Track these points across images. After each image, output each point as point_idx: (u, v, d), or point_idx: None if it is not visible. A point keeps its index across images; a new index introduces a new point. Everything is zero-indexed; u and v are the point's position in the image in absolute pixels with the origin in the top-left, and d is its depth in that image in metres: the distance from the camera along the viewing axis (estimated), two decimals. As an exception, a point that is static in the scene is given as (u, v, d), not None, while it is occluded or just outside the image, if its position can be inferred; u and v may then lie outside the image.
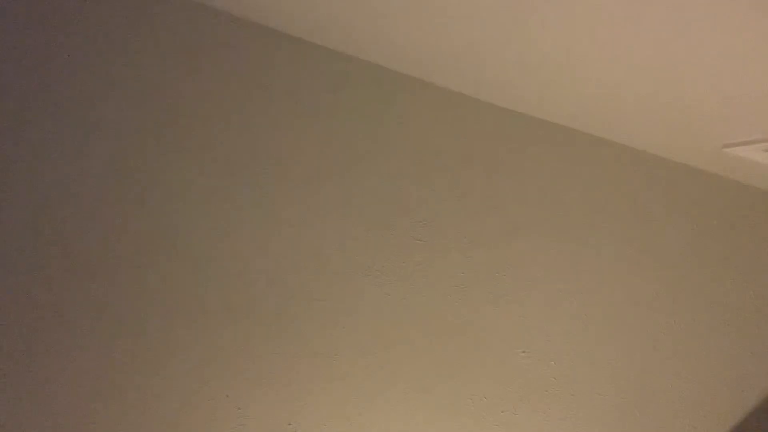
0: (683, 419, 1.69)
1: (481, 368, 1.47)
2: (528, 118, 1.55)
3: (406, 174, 1.43)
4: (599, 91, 1.38)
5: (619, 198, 1.65)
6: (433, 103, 1.46)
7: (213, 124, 1.25)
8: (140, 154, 1.20)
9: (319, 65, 1.35)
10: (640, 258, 1.66)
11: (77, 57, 1.16)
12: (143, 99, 1.20)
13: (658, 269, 1.69)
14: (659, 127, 1.52)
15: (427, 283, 1.42)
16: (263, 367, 1.27)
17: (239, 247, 1.27)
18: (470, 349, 1.46)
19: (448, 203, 1.46)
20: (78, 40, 1.16)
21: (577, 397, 1.57)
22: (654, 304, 1.67)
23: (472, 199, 1.49)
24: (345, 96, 1.37)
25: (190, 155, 1.24)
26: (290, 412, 1.29)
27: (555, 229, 1.57)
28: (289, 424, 1.28)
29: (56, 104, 1.14)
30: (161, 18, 1.23)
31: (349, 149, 1.37)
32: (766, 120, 1.38)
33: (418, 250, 1.42)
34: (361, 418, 1.34)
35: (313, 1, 1.17)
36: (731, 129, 1.46)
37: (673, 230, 1.71)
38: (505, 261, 1.51)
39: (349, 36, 1.30)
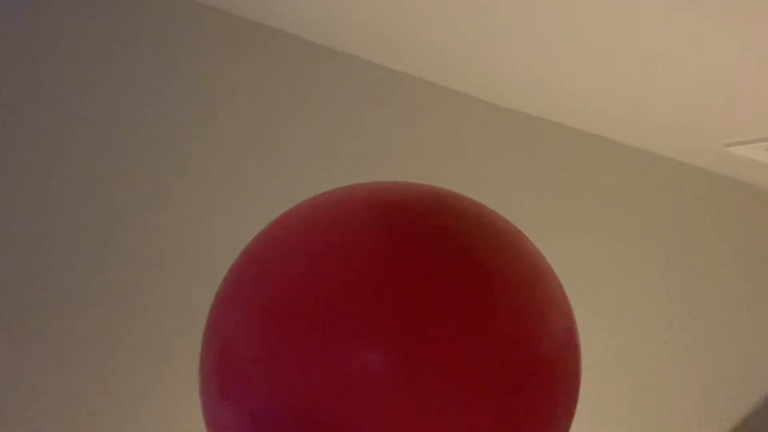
0: (684, 419, 1.69)
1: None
2: (528, 117, 1.55)
3: (405, 173, 1.42)
4: (599, 89, 1.37)
5: (619, 197, 1.65)
6: (435, 103, 1.46)
7: (211, 123, 1.25)
8: (138, 154, 1.19)
9: (316, 63, 1.35)
10: (640, 257, 1.66)
11: (74, 54, 1.16)
12: (139, 97, 1.20)
13: (658, 268, 1.68)
14: (660, 125, 1.52)
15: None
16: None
17: (237, 246, 1.26)
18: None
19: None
20: (74, 37, 1.16)
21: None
22: (654, 303, 1.67)
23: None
24: (343, 94, 1.37)
25: (189, 155, 1.23)
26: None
27: (554, 229, 1.57)
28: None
29: (51, 102, 1.14)
30: (157, 15, 1.22)
31: (348, 148, 1.37)
32: (767, 119, 1.38)
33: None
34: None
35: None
36: (733, 128, 1.45)
37: (673, 229, 1.71)
38: (504, 260, 1.51)
39: (347, 34, 1.29)
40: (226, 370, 0.52)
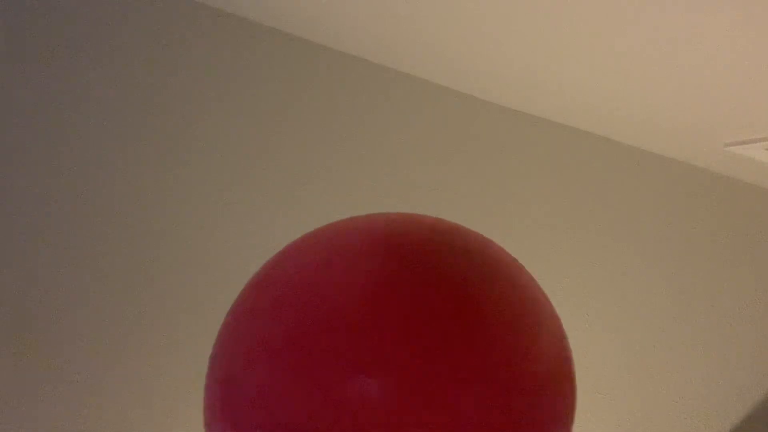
0: (683, 419, 1.69)
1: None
2: (527, 117, 1.55)
3: (404, 172, 1.42)
4: (599, 88, 1.37)
5: (619, 197, 1.64)
6: (435, 103, 1.45)
7: (210, 123, 1.25)
8: (136, 153, 1.19)
9: (316, 63, 1.34)
10: (638, 257, 1.66)
11: (71, 53, 1.16)
12: (138, 96, 1.20)
13: (658, 268, 1.68)
14: (660, 125, 1.52)
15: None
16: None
17: (235, 244, 1.26)
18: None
19: (447, 202, 1.46)
20: (72, 36, 1.16)
21: (577, 397, 1.57)
22: (654, 303, 1.67)
23: (471, 198, 1.48)
24: (343, 94, 1.37)
25: (186, 155, 1.23)
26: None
27: (553, 228, 1.57)
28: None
29: (48, 102, 1.14)
30: (157, 15, 1.22)
31: (348, 149, 1.37)
32: (767, 118, 1.38)
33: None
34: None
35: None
36: (733, 127, 1.45)
37: (673, 229, 1.71)
38: (504, 260, 1.50)
39: (347, 34, 1.29)
40: (230, 400, 0.54)
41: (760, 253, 1.81)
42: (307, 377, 0.50)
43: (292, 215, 1.30)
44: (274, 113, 1.30)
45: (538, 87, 1.41)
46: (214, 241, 1.24)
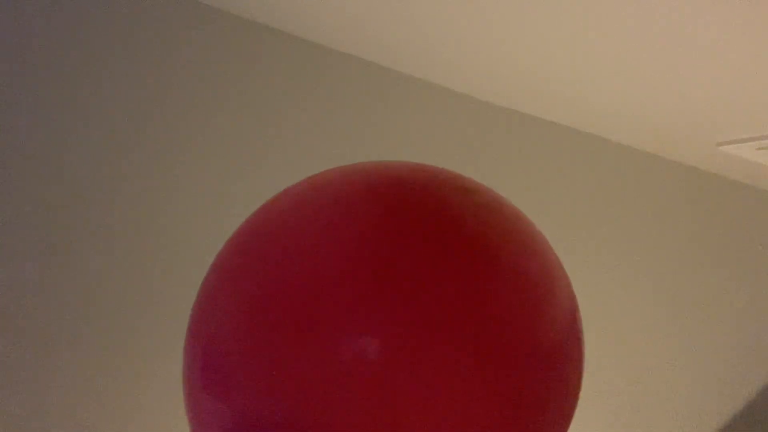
0: (682, 418, 1.70)
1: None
2: (524, 116, 1.56)
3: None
4: (593, 88, 1.38)
5: (611, 196, 1.65)
6: (434, 102, 1.46)
7: (209, 123, 1.25)
8: (137, 154, 1.19)
9: (315, 63, 1.35)
10: (631, 255, 1.67)
11: (71, 53, 1.15)
12: (139, 96, 1.19)
13: (653, 267, 1.69)
14: (652, 124, 1.53)
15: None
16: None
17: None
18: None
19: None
20: (72, 36, 1.15)
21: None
22: (651, 303, 1.68)
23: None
24: (342, 94, 1.37)
25: (186, 155, 1.23)
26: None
27: (546, 227, 1.57)
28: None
29: (49, 100, 1.13)
30: (155, 14, 1.22)
31: (347, 148, 1.37)
32: (759, 118, 1.39)
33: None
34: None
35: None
36: (725, 127, 1.47)
37: (665, 228, 1.72)
38: (502, 259, 1.51)
39: (346, 34, 1.29)
40: (211, 367, 0.49)
41: (751, 252, 1.83)
42: (296, 339, 0.44)
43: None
44: (272, 114, 1.30)
45: (534, 87, 1.42)
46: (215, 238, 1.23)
